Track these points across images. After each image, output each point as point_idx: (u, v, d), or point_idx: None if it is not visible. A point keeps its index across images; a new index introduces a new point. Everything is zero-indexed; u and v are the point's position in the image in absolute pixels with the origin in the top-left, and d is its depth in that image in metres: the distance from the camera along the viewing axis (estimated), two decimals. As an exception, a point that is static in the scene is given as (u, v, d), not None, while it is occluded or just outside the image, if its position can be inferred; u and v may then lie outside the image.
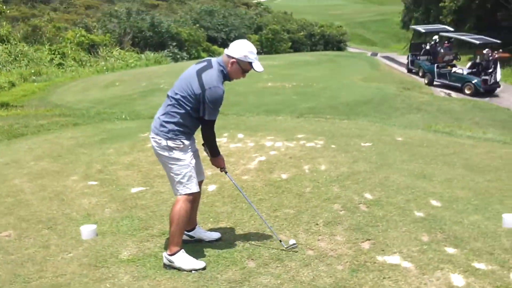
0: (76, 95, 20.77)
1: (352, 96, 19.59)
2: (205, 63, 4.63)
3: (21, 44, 34.13)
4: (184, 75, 4.63)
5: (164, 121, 4.55)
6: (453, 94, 25.81)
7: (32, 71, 28.58)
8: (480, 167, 7.90)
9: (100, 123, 11.86)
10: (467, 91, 25.75)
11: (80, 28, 38.27)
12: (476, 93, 25.31)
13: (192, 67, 4.65)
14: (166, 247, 4.75)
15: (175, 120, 4.52)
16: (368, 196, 6.32)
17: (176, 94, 4.54)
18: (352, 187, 6.64)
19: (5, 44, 32.83)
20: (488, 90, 25.87)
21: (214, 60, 4.65)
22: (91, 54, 34.98)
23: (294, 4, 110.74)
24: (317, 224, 5.47)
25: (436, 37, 30.69)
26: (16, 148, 9.51)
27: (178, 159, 4.56)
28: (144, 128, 10.52)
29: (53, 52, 32.70)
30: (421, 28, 34.40)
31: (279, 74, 25.58)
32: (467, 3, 41.65)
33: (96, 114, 13.47)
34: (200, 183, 4.99)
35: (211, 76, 4.48)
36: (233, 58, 4.53)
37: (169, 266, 4.59)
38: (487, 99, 24.78)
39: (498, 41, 28.09)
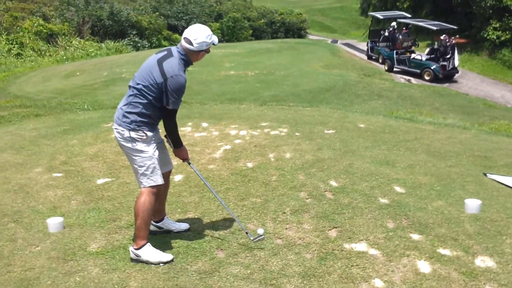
0: (36, 85, 20.40)
1: (314, 83, 19.71)
2: (165, 52, 4.62)
3: (-22, 34, 33.37)
4: (145, 65, 4.61)
5: (126, 112, 4.52)
6: (413, 80, 26.16)
7: (-11, 61, 27.99)
8: (441, 152, 8.05)
9: (62, 114, 11.68)
10: (426, 77, 26.12)
11: (38, 17, 37.49)
12: (435, 78, 25.70)
13: (153, 56, 4.63)
14: (134, 240, 4.74)
15: (137, 110, 4.49)
16: (333, 183, 6.40)
17: (138, 84, 4.51)
18: (318, 174, 6.71)
19: (-40, 35, 32.10)
20: (447, 76, 26.32)
21: (174, 48, 4.64)
22: (50, 44, 34.32)
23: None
24: (284, 213, 5.52)
25: (394, 23, 31.01)
26: (-24, 140, 9.32)
27: (141, 151, 4.54)
28: (107, 118, 10.43)
29: (10, 42, 31.99)
30: (379, 15, 34.64)
31: (241, 62, 25.59)
32: (423, -11, 42.11)
33: (58, 104, 13.25)
34: (168, 173, 4.99)
35: (172, 65, 4.48)
36: (202, 51, 4.61)
37: (137, 260, 4.57)
38: (446, 84, 25.22)
39: (455, 27, 28.52)
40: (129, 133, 4.50)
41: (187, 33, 4.59)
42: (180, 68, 4.50)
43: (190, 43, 4.53)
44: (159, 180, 4.63)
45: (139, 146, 4.53)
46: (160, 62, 4.51)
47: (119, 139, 4.57)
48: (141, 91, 4.49)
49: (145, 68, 4.57)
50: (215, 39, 4.68)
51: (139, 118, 4.50)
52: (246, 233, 4.87)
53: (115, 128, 4.59)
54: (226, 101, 13.80)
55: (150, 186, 4.58)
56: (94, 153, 7.96)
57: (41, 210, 5.82)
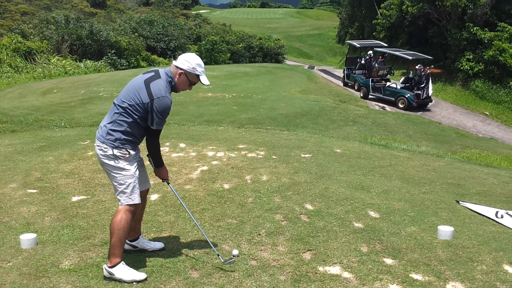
0: (12, 101, 20.25)
1: (291, 107, 19.84)
2: (153, 73, 4.65)
3: (-45, 50, 33.10)
4: (132, 84, 4.63)
5: (111, 130, 4.53)
6: (387, 107, 26.47)
7: (-34, 76, 27.75)
8: (415, 179, 8.16)
9: (38, 130, 11.60)
10: (400, 105, 26.48)
11: (16, 34, 37.32)
12: (409, 107, 26.08)
13: (140, 76, 4.66)
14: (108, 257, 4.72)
15: (122, 128, 4.51)
16: (309, 206, 6.45)
17: (124, 102, 4.53)
18: (293, 197, 6.76)
19: None
20: (421, 104, 26.73)
21: (162, 70, 4.68)
22: (27, 61, 34.15)
23: (232, 16, 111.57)
24: (260, 235, 5.54)
25: (370, 52, 31.47)
26: (-50, 155, 9.21)
27: (123, 169, 4.55)
28: (84, 136, 10.40)
29: (-13, 58, 31.84)
30: (356, 43, 35.09)
31: (219, 85, 25.66)
32: (399, 20, 42.74)
33: (34, 121, 13.17)
34: (145, 192, 4.99)
35: (159, 86, 4.51)
36: (181, 69, 4.58)
37: (110, 278, 4.55)
38: (419, 113, 25.60)
39: (430, 57, 29.08)
40: (112, 151, 4.50)
41: (180, 56, 4.67)
42: (167, 90, 4.54)
43: (179, 61, 4.61)
44: (137, 199, 4.63)
45: (121, 164, 4.54)
46: (147, 83, 4.55)
47: (101, 156, 4.57)
48: (126, 110, 4.51)
49: (132, 87, 4.60)
50: (205, 80, 4.72)
51: (123, 136, 4.52)
52: (218, 255, 4.85)
53: (97, 146, 4.59)
54: (204, 123, 13.84)
55: (127, 204, 4.58)
56: (70, 170, 7.92)
57: (14, 226, 5.76)
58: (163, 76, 4.60)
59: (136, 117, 4.51)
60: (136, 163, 4.67)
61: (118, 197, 4.62)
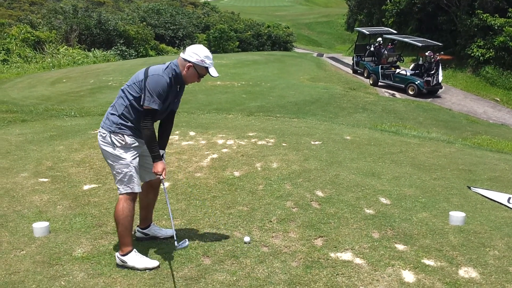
0: (23, 91, 20.31)
1: (300, 95, 19.79)
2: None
3: (-37, 40, 33.23)
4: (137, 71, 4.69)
5: (109, 113, 4.58)
6: (397, 94, 26.34)
7: (-24, 67, 27.86)
8: (426, 165, 8.13)
9: (48, 120, 11.63)
10: (410, 92, 26.33)
11: (25, 25, 37.38)
12: (419, 93, 25.92)
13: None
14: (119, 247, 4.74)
15: (119, 112, 4.53)
16: (319, 193, 6.45)
17: (124, 86, 4.60)
18: (304, 184, 6.76)
19: None
20: (431, 91, 26.56)
21: (169, 62, 4.66)
22: (36, 51, 34.22)
23: (240, 4, 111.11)
24: (271, 221, 5.55)
25: (379, 39, 31.30)
26: (-39, 145, 9.26)
27: (119, 157, 4.55)
28: (94, 125, 10.42)
29: (-3, 48, 31.94)
30: (365, 30, 34.88)
31: (228, 73, 25.60)
32: (408, 7, 42.46)
33: (44, 110, 13.21)
34: (157, 182, 4.97)
35: (158, 67, 4.55)
36: (189, 62, 4.52)
37: (122, 266, 4.58)
38: (429, 99, 25.45)
39: (440, 44, 28.84)
40: (110, 136, 4.51)
41: (188, 48, 4.61)
42: (165, 72, 4.50)
43: (187, 54, 4.53)
44: (136, 188, 4.62)
45: (118, 151, 4.54)
46: (149, 65, 4.61)
47: (101, 142, 4.59)
48: (125, 92, 4.55)
49: (136, 73, 4.64)
50: (214, 72, 4.61)
51: (120, 120, 4.52)
52: (175, 240, 4.60)
53: (99, 131, 4.64)
54: (213, 111, 13.84)
55: (126, 193, 4.59)
56: (80, 159, 7.95)
57: (27, 215, 5.80)
58: (167, 63, 4.59)
59: (132, 97, 4.51)
60: (134, 152, 4.63)
61: (117, 185, 4.63)
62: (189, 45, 4.72)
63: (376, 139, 10.06)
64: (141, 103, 4.46)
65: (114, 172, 4.60)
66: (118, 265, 4.60)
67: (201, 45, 4.69)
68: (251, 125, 10.84)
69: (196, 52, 4.53)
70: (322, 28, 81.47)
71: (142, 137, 4.57)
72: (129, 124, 4.55)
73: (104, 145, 4.56)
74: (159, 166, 4.60)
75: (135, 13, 52.80)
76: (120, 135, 4.51)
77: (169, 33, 49.66)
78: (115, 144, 4.52)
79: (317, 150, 8.59)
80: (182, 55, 4.58)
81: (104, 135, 4.54)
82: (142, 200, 5.02)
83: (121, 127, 4.52)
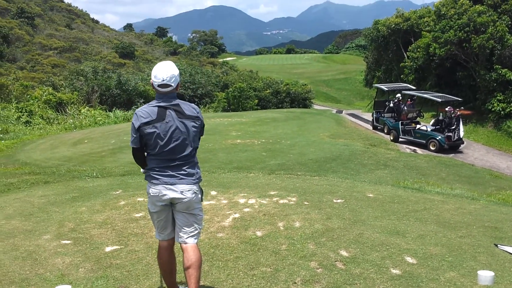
0: (45, 152, 20.54)
1: (320, 152, 19.76)
2: None
3: (-13, 102, 33.96)
4: None
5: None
6: (418, 150, 26.26)
7: (-1, 129, 28.31)
8: (451, 223, 8.01)
9: (71, 181, 11.71)
10: (431, 148, 26.26)
11: (48, 87, 38.19)
12: (440, 149, 25.83)
13: None
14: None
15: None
16: (344, 253, 6.35)
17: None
18: (328, 244, 6.67)
19: (-29, 103, 32.65)
20: (452, 147, 26.47)
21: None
22: (58, 112, 34.83)
23: (258, 63, 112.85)
24: (295, 283, 5.46)
25: (399, 95, 31.43)
26: (-15, 207, 9.32)
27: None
28: (116, 186, 10.46)
29: (20, 110, 32.54)
30: (384, 87, 35.14)
31: (247, 131, 25.75)
32: (427, 63, 42.79)
33: (67, 171, 13.30)
34: (171, 243, 5.04)
35: None
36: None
37: None
38: (451, 155, 25.31)
39: (459, 99, 28.92)
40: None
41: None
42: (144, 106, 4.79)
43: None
44: (157, 236, 4.96)
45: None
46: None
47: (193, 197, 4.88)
48: None
49: None
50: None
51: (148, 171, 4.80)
52: None
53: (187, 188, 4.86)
54: (234, 170, 13.84)
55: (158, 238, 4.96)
56: (102, 220, 7.95)
57: (49, 278, 5.76)
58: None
59: None
60: (156, 206, 4.81)
61: (197, 235, 4.91)
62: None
63: (400, 196, 9.96)
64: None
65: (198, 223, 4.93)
66: None
67: (159, 64, 4.85)
68: (272, 183, 10.81)
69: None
70: (340, 84, 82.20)
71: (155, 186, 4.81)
72: (147, 172, 4.88)
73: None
74: None
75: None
76: (147, 186, 4.88)
77: (188, 92, 50.33)
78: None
79: (340, 208, 8.51)
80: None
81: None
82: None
83: (146, 177, 4.87)
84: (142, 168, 4.89)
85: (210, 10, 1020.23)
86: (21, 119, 31.57)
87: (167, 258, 4.93)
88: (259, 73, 74.99)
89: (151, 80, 4.73)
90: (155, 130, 4.59)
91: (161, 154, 4.66)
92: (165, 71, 4.65)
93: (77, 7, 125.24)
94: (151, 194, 4.72)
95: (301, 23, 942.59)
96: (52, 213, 8.56)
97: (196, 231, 4.83)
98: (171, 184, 4.68)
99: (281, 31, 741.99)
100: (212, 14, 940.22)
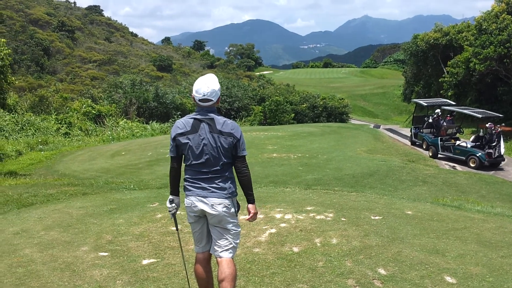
0: (83, 164, 20.83)
1: (358, 168, 19.61)
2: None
3: (28, 113, 34.66)
4: None
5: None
6: (458, 167, 25.84)
7: (39, 140, 28.84)
8: (492, 242, 7.83)
9: (108, 193, 11.84)
10: (471, 164, 25.80)
11: (87, 99, 38.82)
12: (480, 166, 25.35)
13: None
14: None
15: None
16: (381, 271, 6.26)
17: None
18: (365, 262, 6.58)
19: (12, 114, 33.31)
20: (493, 163, 25.94)
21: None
22: (97, 124, 35.35)
23: (295, 77, 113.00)
24: (332, 301, 5.39)
25: (438, 110, 31.01)
26: (25, 218, 9.46)
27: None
28: (153, 198, 10.52)
29: (59, 121, 33.15)
30: (422, 102, 34.74)
31: (284, 145, 25.72)
32: (467, 78, 42.28)
33: (105, 183, 13.46)
34: (207, 256, 5.09)
35: None
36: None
37: None
38: (492, 172, 24.82)
39: (500, 115, 28.38)
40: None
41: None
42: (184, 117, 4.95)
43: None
44: (195, 248, 5.04)
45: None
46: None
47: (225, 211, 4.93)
48: None
49: None
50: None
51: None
52: None
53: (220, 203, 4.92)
54: (270, 184, 13.80)
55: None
56: (140, 233, 7.99)
57: (87, 290, 5.80)
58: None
59: None
60: (190, 217, 4.97)
61: (231, 249, 4.93)
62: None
63: (439, 214, 9.79)
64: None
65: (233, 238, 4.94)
66: None
67: (201, 77, 4.96)
68: (309, 198, 10.74)
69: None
70: (378, 99, 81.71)
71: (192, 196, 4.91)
72: (185, 183, 4.97)
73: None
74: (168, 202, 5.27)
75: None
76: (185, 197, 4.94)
77: (225, 105, 50.63)
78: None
79: (378, 226, 8.40)
80: None
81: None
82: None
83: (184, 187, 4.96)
84: (170, 185, 5.02)
85: (247, 24, 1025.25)
86: (61, 131, 32.14)
87: (202, 270, 4.95)
88: (295, 87, 75.07)
89: (192, 94, 4.81)
90: (188, 141, 4.71)
91: (194, 165, 4.77)
92: (206, 86, 4.74)
93: (116, 20, 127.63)
94: (186, 205, 4.86)
95: (339, 37, 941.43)
96: (90, 224, 8.65)
97: (231, 245, 4.84)
98: (203, 197, 4.76)
99: (318, 45, 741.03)
100: (249, 28, 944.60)
